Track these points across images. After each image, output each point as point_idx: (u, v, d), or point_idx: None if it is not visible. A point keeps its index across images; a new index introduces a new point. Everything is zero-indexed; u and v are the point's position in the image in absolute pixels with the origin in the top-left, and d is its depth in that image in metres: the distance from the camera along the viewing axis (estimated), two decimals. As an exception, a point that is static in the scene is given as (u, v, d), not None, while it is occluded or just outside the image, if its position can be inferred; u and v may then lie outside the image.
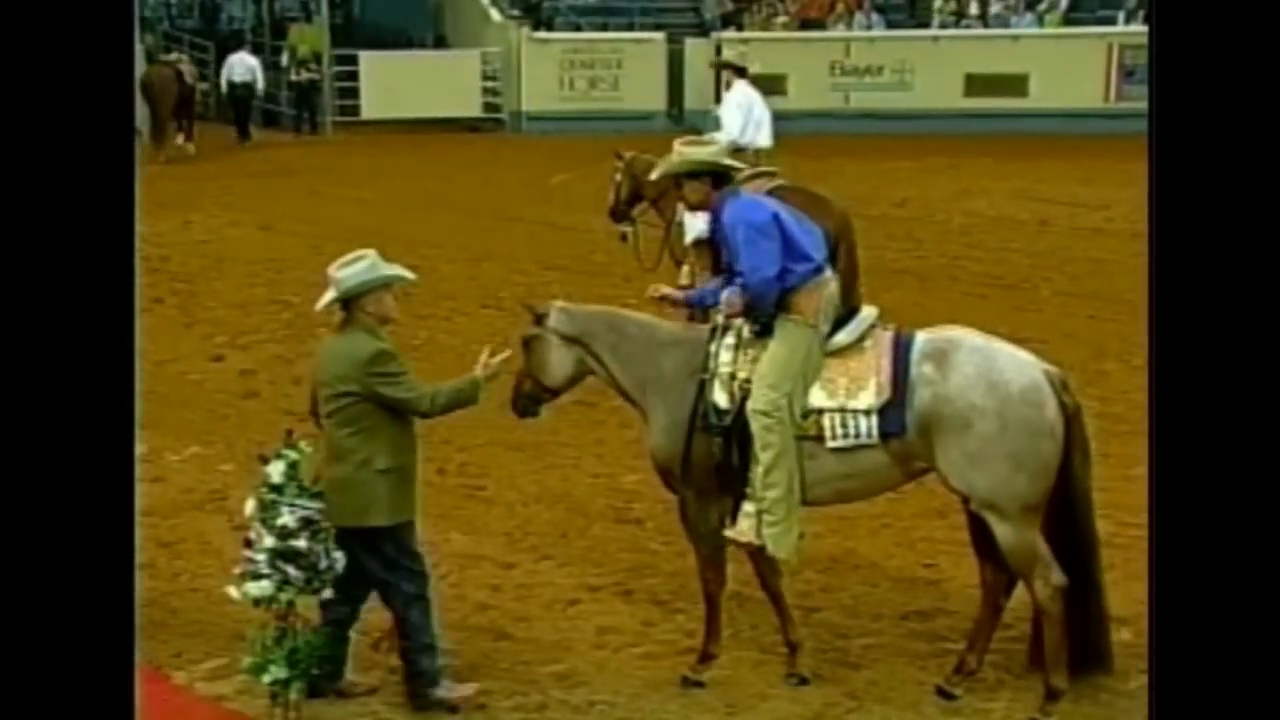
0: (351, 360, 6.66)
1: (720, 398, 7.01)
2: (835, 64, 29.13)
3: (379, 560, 6.76)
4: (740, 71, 14.37)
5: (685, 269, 13.14)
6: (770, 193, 9.66)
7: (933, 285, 15.73)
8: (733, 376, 7.01)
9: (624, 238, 13.75)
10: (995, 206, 20.73)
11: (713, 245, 11.62)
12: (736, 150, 12.03)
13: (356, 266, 6.74)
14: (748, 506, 6.98)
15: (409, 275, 6.92)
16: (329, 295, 6.79)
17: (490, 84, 29.65)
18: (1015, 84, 28.38)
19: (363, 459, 6.65)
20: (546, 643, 7.58)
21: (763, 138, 13.85)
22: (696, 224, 12.00)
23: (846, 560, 8.65)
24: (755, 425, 6.88)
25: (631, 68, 29.10)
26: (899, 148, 25.38)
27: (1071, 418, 6.79)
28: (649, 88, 29.09)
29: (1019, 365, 6.85)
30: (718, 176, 7.19)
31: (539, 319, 7.29)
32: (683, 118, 29.03)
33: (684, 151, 7.30)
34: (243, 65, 28.27)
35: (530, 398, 7.36)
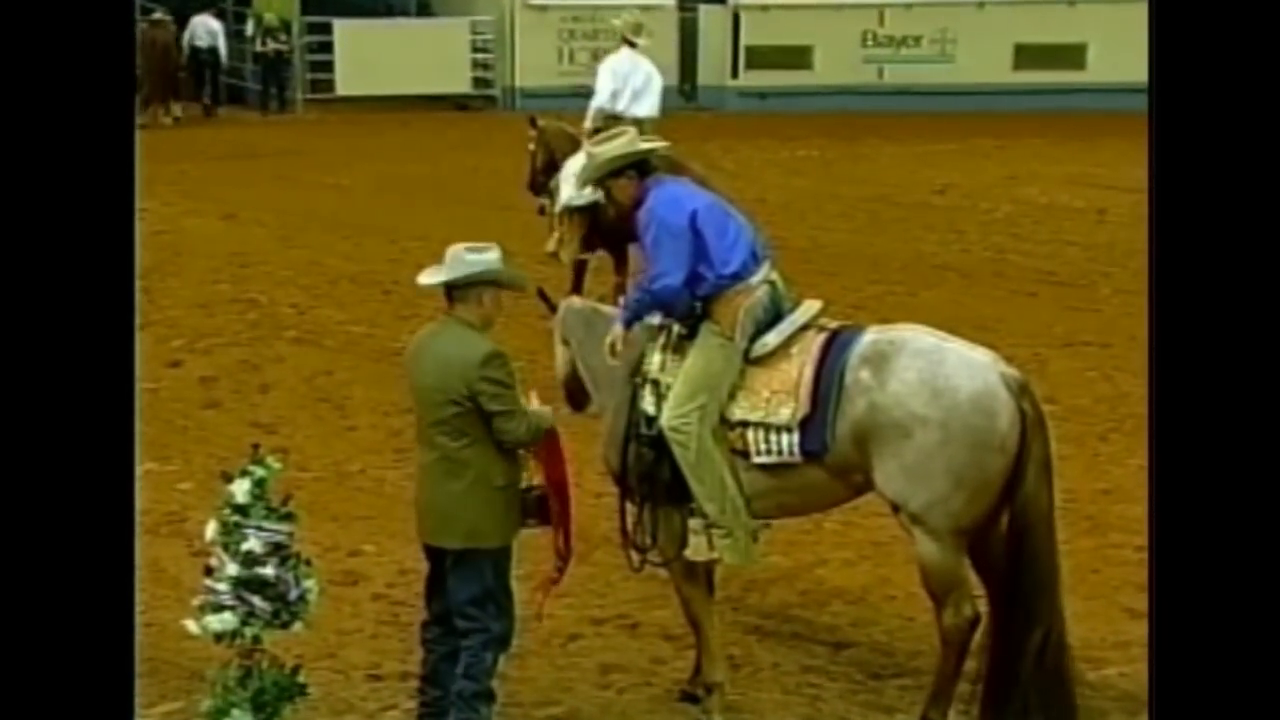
0: (464, 362, 6.63)
1: (648, 404, 7.16)
2: (867, 34, 29.15)
3: (475, 588, 6.72)
4: (631, 43, 14.66)
5: (554, 236, 13.41)
6: None
7: (976, 282, 15.75)
8: (657, 383, 7.13)
9: (541, 210, 14.13)
10: (1048, 194, 20.75)
11: (589, 216, 11.96)
12: (612, 118, 12.27)
13: (489, 254, 6.73)
14: (693, 523, 7.13)
15: (525, 283, 7.04)
16: (440, 274, 6.74)
17: (481, 57, 29.71)
18: (1071, 55, 28.41)
19: (478, 474, 6.65)
20: (544, 682, 7.59)
21: (643, 108, 14.12)
22: (566, 191, 12.29)
23: (880, 591, 8.67)
24: (668, 440, 7.03)
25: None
26: (939, 128, 25.39)
27: (1031, 427, 6.81)
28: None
29: (970, 369, 6.85)
30: (642, 167, 7.27)
31: (554, 311, 7.58)
32: (696, 94, 29.04)
33: (595, 152, 7.41)
34: (204, 29, 28.36)
35: (568, 392, 7.68)
